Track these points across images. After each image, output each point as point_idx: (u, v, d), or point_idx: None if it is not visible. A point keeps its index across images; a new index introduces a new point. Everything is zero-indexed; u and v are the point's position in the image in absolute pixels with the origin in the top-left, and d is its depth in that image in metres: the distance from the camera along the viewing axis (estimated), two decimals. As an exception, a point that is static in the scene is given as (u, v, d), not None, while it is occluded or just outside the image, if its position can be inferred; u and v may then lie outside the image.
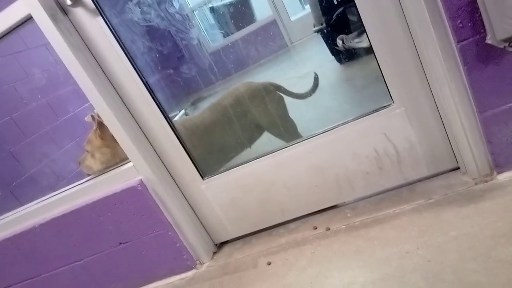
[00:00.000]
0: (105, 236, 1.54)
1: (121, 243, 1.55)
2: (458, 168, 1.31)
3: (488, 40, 1.02)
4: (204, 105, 1.72)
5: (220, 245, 1.63)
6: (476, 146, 1.19)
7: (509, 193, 1.12)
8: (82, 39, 1.34)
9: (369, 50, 1.26)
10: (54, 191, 1.62)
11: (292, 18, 3.42)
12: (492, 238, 1.01)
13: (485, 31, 1.02)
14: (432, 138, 1.29)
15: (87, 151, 1.53)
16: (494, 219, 1.07)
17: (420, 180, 1.36)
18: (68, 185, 1.60)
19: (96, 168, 1.53)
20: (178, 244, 1.51)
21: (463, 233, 1.07)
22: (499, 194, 1.14)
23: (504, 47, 1.02)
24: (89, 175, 1.57)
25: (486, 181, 1.21)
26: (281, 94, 1.60)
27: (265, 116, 1.58)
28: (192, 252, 1.53)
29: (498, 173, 1.20)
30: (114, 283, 1.65)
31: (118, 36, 1.33)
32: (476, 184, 1.22)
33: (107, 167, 1.53)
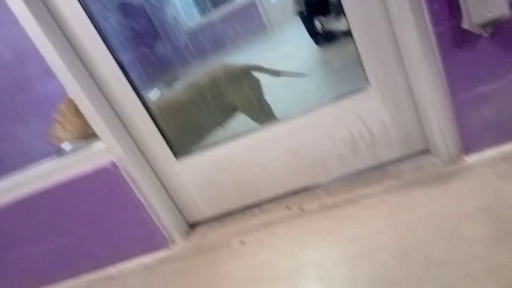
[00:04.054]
0: (76, 217, 1.51)
1: (91, 224, 1.52)
2: (429, 150, 1.34)
3: (464, 25, 1.02)
4: (180, 85, 1.68)
5: (194, 225, 1.62)
6: (446, 129, 1.21)
7: (476, 175, 1.16)
8: (50, 13, 1.27)
9: (347, 33, 1.25)
10: (22, 171, 1.56)
11: (272, 0, 3.37)
12: (458, 218, 1.04)
13: (461, 15, 1.03)
14: (405, 121, 1.31)
15: (57, 121, 1.47)
16: (460, 200, 1.10)
17: (392, 162, 1.39)
18: (37, 165, 1.55)
19: (67, 140, 1.47)
20: (150, 225, 1.49)
21: (431, 213, 1.10)
22: (467, 176, 1.17)
23: (480, 31, 1.03)
24: (59, 149, 1.51)
25: (455, 163, 1.24)
26: (257, 77, 1.59)
27: (241, 98, 1.56)
28: (165, 232, 1.52)
29: (467, 155, 1.23)
30: (86, 263, 1.63)
31: (88, 11, 1.28)
32: (445, 166, 1.25)
33: (77, 140, 1.48)
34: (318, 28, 2.70)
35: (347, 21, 1.21)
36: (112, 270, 1.61)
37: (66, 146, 1.51)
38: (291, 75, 1.71)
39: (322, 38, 2.70)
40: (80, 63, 1.34)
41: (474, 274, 0.86)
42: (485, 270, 0.86)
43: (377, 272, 0.99)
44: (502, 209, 1.00)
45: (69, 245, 1.58)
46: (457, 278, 0.87)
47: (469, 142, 1.21)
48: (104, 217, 1.50)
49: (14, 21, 1.24)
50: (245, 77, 1.55)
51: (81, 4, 1.26)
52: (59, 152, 1.55)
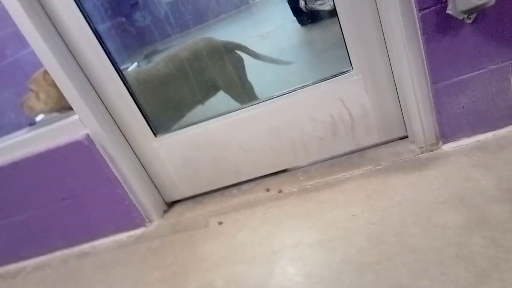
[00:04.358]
0: (48, 191, 1.46)
1: (64, 199, 1.48)
2: (407, 136, 1.36)
3: (449, 10, 1.02)
4: (158, 59, 1.62)
5: (171, 204, 1.61)
6: (425, 116, 1.23)
7: (452, 162, 1.19)
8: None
9: (331, 14, 1.23)
10: (-10, 142, 1.49)
11: (256, -25, 3.28)
12: (433, 204, 1.07)
13: (446, 1, 1.02)
14: (386, 106, 1.32)
15: (31, 90, 1.40)
16: (436, 186, 1.13)
17: (370, 147, 1.40)
18: (7, 136, 1.48)
19: (40, 110, 1.41)
20: (126, 202, 1.47)
21: (407, 198, 1.13)
22: (442, 163, 1.20)
23: (463, 18, 1.03)
24: (31, 121, 1.45)
25: (432, 150, 1.27)
26: (240, 55, 1.55)
27: (223, 75, 1.52)
28: (141, 210, 1.50)
29: (444, 143, 1.26)
30: (57, 240, 1.59)
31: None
32: (422, 152, 1.28)
33: (51, 111, 1.42)
34: (301, 6, 2.65)
35: (333, 1, 1.19)
36: (86, 246, 1.59)
37: (40, 119, 1.45)
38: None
39: (305, 17, 2.66)
40: (54, 30, 1.27)
41: (446, 260, 0.89)
42: (457, 257, 0.89)
43: (352, 255, 1.01)
44: (475, 198, 1.03)
45: (41, 219, 1.54)
46: (430, 263, 0.90)
47: (447, 130, 1.23)
48: (78, 192, 1.46)
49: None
50: (228, 54, 1.51)
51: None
52: (31, 123, 1.48)
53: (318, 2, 2.58)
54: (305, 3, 2.58)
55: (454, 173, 1.15)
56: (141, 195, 1.49)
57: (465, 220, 0.98)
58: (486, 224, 0.94)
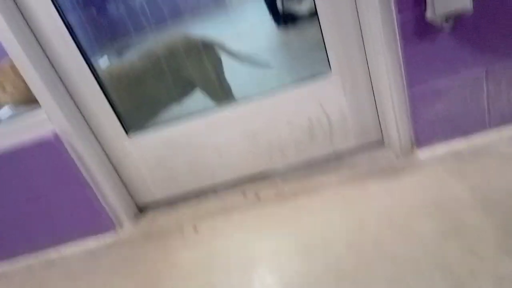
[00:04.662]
0: (10, 191, 1.37)
1: (29, 200, 1.39)
2: (383, 141, 1.37)
3: (428, 15, 1.03)
4: (133, 53, 1.56)
5: (144, 208, 1.54)
6: (401, 122, 1.23)
7: (427, 169, 1.20)
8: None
9: (309, 16, 1.22)
10: None
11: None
12: (410, 211, 1.08)
13: (425, 5, 1.03)
14: (363, 111, 1.32)
15: None
16: (412, 193, 1.14)
17: (347, 151, 1.40)
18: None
19: (5, 101, 1.31)
20: (95, 204, 1.40)
21: (384, 205, 1.13)
22: (418, 170, 1.21)
23: (442, 24, 1.04)
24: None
25: (407, 156, 1.28)
26: (219, 54, 1.51)
27: (200, 73, 1.47)
28: (111, 213, 1.43)
29: (419, 149, 1.27)
30: (20, 244, 1.50)
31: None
32: (397, 158, 1.29)
33: (18, 104, 1.33)
34: (279, 7, 2.64)
35: (314, 2, 1.17)
36: (52, 254, 1.49)
37: (4, 113, 1.35)
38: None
39: (282, 18, 2.64)
40: (21, 17, 1.18)
41: (424, 269, 0.90)
42: (434, 265, 0.90)
43: (330, 263, 1.00)
44: (452, 206, 1.05)
45: (2, 222, 1.44)
46: (407, 272, 0.90)
47: (422, 137, 1.25)
48: (44, 193, 1.38)
49: None
50: (206, 52, 1.47)
51: None
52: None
53: (296, 4, 2.58)
54: (282, 4, 2.57)
55: (430, 180, 1.16)
56: (111, 197, 1.42)
57: (442, 228, 0.99)
58: (462, 232, 0.96)
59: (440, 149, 1.25)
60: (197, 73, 1.48)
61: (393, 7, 1.05)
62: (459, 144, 1.24)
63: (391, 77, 1.16)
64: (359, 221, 1.10)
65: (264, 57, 2.17)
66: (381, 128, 1.35)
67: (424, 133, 1.24)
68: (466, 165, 1.16)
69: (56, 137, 1.28)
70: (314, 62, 1.34)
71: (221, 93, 1.48)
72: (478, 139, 1.23)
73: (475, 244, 0.92)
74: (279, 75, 2.13)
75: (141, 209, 1.54)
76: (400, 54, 1.12)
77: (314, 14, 1.23)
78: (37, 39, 1.23)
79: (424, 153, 1.26)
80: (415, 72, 1.14)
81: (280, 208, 1.26)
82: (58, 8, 1.19)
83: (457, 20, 1.05)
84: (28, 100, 1.32)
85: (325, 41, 1.23)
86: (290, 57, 2.29)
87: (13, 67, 1.25)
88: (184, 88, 1.53)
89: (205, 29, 1.65)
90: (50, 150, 1.30)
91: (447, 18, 1.03)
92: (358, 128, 1.35)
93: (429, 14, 1.03)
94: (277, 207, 1.27)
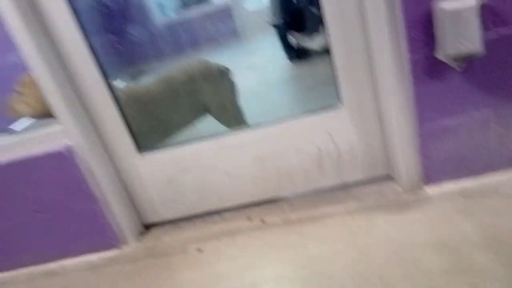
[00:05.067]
0: (20, 203, 1.38)
1: (37, 212, 1.40)
2: (391, 176, 1.38)
3: (438, 55, 1.07)
4: (145, 79, 1.62)
5: (149, 227, 1.54)
6: (410, 158, 1.25)
7: (435, 206, 1.20)
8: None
9: (321, 52, 1.26)
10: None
11: (248, 9, 3.38)
12: (417, 247, 1.07)
13: (436, 46, 1.07)
14: (372, 144, 1.34)
15: (17, 92, 1.34)
16: (420, 229, 1.13)
17: (355, 183, 1.41)
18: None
19: (24, 113, 1.35)
20: (102, 220, 1.40)
21: (391, 238, 1.13)
22: (426, 206, 1.21)
23: (452, 64, 1.08)
24: (9, 128, 1.39)
25: (415, 192, 1.28)
26: (234, 80, 1.56)
27: (215, 98, 1.52)
28: (117, 229, 1.43)
29: (427, 186, 1.27)
30: (25, 255, 1.49)
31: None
32: (405, 193, 1.29)
33: (35, 116, 1.36)
34: (292, 42, 2.73)
35: (327, 38, 1.22)
36: (54, 265, 1.48)
37: (20, 124, 1.39)
38: None
39: (295, 53, 2.73)
40: (46, 35, 1.24)
41: (430, 305, 0.88)
42: (440, 302, 0.89)
43: (334, 293, 0.99)
44: (459, 244, 1.04)
45: (9, 232, 1.44)
46: (413, 307, 0.89)
47: (430, 173, 1.25)
48: (52, 206, 1.39)
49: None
50: (222, 78, 1.52)
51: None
52: (9, 131, 1.42)
53: (308, 40, 2.67)
54: (296, 40, 2.66)
55: (437, 217, 1.16)
56: (118, 214, 1.42)
57: (450, 265, 0.98)
58: (470, 271, 0.95)
59: (448, 186, 1.25)
60: (213, 98, 1.52)
61: (404, 47, 1.09)
62: (467, 183, 1.24)
63: (400, 113, 1.19)
64: (365, 253, 1.10)
65: (275, 89, 2.22)
66: (389, 163, 1.36)
67: (432, 170, 1.25)
68: (474, 204, 1.17)
69: (69, 150, 1.31)
70: (325, 95, 1.38)
71: (234, 117, 1.52)
72: (487, 179, 1.23)
73: (482, 282, 0.91)
74: (290, 105, 2.17)
75: (147, 227, 1.54)
76: (411, 91, 1.14)
77: (325, 50, 1.27)
78: (58, 56, 1.27)
79: (432, 190, 1.26)
80: (425, 110, 1.16)
81: (285, 234, 1.26)
82: (83, 31, 1.24)
83: (468, 61, 1.08)
84: (46, 114, 1.36)
85: (336, 74, 1.26)
86: (300, 90, 2.35)
87: (34, 81, 1.30)
88: (198, 112, 1.57)
89: (220, 58, 1.71)
90: (62, 163, 1.32)
91: (457, 59, 1.06)
92: (367, 161, 1.37)
93: (439, 54, 1.07)
94: (282, 233, 1.27)
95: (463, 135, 1.19)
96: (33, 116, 1.37)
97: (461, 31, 1.00)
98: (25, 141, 1.33)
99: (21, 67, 1.27)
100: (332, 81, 1.28)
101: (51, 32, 1.25)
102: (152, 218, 1.53)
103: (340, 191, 1.40)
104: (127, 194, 1.48)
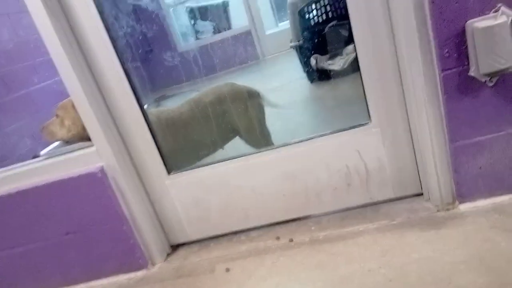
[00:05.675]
0: (53, 223, 1.42)
1: (68, 233, 1.43)
2: (422, 194, 1.35)
3: (471, 73, 1.06)
4: (168, 103, 1.67)
5: (176, 247, 1.55)
6: (442, 174, 1.22)
7: (470, 223, 1.17)
8: (60, 5, 1.24)
9: (341, 73, 1.27)
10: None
11: (267, 32, 3.46)
12: (452, 264, 1.03)
13: (469, 63, 1.06)
14: (402, 162, 1.32)
15: (57, 115, 1.41)
16: (454, 246, 1.10)
17: (384, 201, 1.39)
18: (18, 163, 1.46)
19: (61, 136, 1.41)
20: (131, 240, 1.42)
21: (424, 256, 1.09)
22: (460, 223, 1.18)
23: (485, 81, 1.07)
24: (36, 154, 1.44)
25: (448, 209, 1.25)
26: (262, 102, 1.59)
27: (244, 120, 1.55)
28: (145, 250, 1.45)
29: (460, 203, 1.24)
30: (54, 276, 1.52)
31: (101, 9, 1.26)
32: (438, 211, 1.26)
33: (71, 140, 1.42)
34: (313, 64, 2.76)
35: (356, 55, 1.23)
36: (83, 286, 1.51)
37: (56, 146, 1.44)
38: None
39: (316, 75, 2.75)
40: (84, 60, 1.31)
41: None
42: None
43: (368, 313, 0.96)
44: (495, 260, 1.00)
45: (41, 253, 1.48)
46: (453, 326, 0.86)
47: (463, 190, 1.22)
48: (83, 226, 1.42)
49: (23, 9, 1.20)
50: (251, 100, 1.55)
51: (94, 1, 1.24)
52: (35, 156, 1.47)
53: (329, 62, 2.70)
54: (316, 62, 2.69)
55: (472, 233, 1.12)
56: (147, 234, 1.44)
57: (487, 282, 0.94)
58: (508, 287, 0.91)
59: (482, 203, 1.22)
60: (241, 120, 1.55)
61: (435, 64, 1.09)
62: (502, 199, 1.21)
63: (432, 130, 1.17)
64: (399, 271, 1.07)
65: (296, 110, 2.24)
66: (420, 181, 1.34)
67: (466, 186, 1.22)
68: (510, 220, 1.13)
69: (102, 172, 1.35)
70: (346, 114, 1.38)
71: (262, 139, 1.54)
72: (523, 195, 1.19)
73: (525, 301, 0.87)
74: (312, 126, 2.18)
75: (173, 248, 1.55)
76: (442, 108, 1.13)
77: (346, 70, 1.28)
78: (96, 82, 1.34)
79: (466, 207, 1.23)
80: (458, 126, 1.14)
81: (314, 253, 1.24)
82: (119, 57, 1.31)
83: (501, 77, 1.07)
84: (80, 137, 1.41)
85: (365, 92, 1.26)
86: (323, 110, 2.36)
87: (74, 106, 1.37)
88: (227, 134, 1.60)
89: (241, 81, 1.76)
90: (95, 184, 1.36)
91: (491, 76, 1.05)
92: (397, 179, 1.35)
93: (472, 72, 1.05)
94: (311, 252, 1.25)
95: (496, 150, 1.16)
96: (67, 139, 1.43)
97: (494, 48, 0.99)
98: (61, 163, 1.38)
99: (59, 93, 1.33)
100: (354, 101, 1.28)
101: (90, 60, 1.32)
102: (179, 238, 1.54)
103: (369, 209, 1.38)
104: (156, 215, 1.50)
